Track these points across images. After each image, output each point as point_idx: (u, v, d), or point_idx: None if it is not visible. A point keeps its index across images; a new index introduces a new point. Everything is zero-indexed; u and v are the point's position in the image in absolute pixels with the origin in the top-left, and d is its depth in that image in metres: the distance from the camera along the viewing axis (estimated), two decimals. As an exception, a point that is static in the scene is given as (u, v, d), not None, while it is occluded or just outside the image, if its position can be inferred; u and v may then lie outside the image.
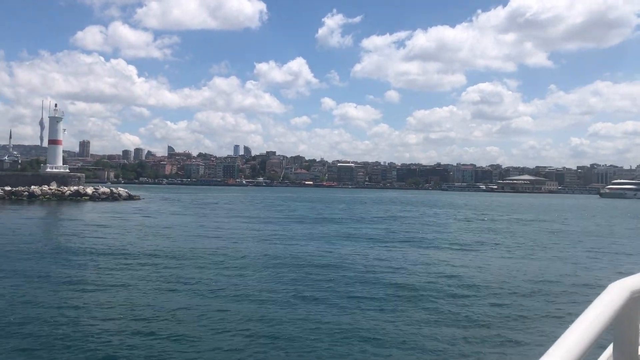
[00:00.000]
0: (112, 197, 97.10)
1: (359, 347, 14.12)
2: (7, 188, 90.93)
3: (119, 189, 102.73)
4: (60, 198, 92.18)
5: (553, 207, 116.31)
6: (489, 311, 18.20)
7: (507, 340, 14.99)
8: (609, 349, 2.52)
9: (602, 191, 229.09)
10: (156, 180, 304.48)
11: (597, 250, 35.86)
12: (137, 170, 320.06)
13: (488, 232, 48.31)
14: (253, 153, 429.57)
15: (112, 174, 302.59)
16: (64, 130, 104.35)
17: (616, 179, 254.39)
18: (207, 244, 34.30)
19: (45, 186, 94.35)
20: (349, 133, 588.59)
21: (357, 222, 57.28)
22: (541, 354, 1.43)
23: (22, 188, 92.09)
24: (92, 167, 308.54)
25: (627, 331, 2.35)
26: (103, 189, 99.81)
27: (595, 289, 21.87)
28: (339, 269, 25.97)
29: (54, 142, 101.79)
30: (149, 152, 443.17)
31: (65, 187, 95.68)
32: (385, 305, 18.83)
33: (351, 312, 17.79)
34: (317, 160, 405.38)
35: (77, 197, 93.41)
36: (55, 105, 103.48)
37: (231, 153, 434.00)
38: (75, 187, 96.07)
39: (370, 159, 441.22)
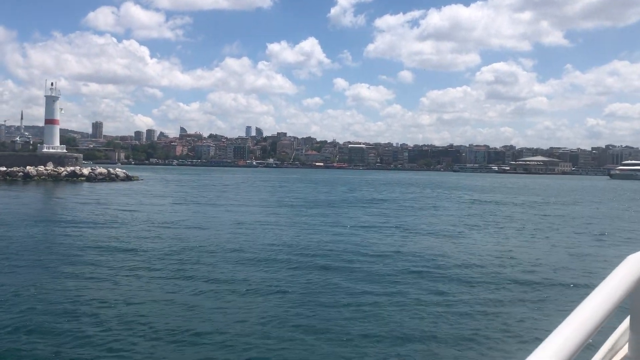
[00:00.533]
0: (109, 178, 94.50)
1: (317, 349, 12.03)
2: (2, 169, 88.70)
3: (117, 169, 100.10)
4: (56, 179, 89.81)
5: (562, 188, 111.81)
6: (467, 301, 15.98)
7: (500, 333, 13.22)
8: (626, 322, 2.44)
9: (612, 172, 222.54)
10: (166, 161, 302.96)
11: (597, 238, 32.11)
12: (147, 151, 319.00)
13: (482, 216, 44.58)
14: (265, 134, 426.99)
15: (122, 155, 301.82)
16: (61, 109, 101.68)
17: (629, 160, 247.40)
18: (166, 232, 31.06)
19: (41, 167, 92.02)
20: (362, 114, 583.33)
21: (349, 206, 53.81)
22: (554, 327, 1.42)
23: (17, 168, 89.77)
24: (103, 148, 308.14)
25: None
26: (100, 169, 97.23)
27: (589, 278, 18.90)
28: (305, 257, 22.70)
29: (50, 121, 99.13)
30: (161, 133, 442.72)
31: (61, 168, 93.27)
32: (345, 298, 16.14)
33: (307, 306, 15.38)
34: (329, 141, 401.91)
35: (73, 178, 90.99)
36: (52, 84, 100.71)
37: (243, 134, 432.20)
38: (72, 168, 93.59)
39: (383, 140, 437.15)
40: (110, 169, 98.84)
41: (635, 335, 2.33)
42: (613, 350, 2.43)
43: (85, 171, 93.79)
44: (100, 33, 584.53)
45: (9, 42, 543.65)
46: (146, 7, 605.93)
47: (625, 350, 2.40)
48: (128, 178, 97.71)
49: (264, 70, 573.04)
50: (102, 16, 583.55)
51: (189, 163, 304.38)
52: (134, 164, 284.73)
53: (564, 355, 1.41)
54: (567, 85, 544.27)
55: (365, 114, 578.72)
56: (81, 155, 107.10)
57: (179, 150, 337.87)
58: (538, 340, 1.39)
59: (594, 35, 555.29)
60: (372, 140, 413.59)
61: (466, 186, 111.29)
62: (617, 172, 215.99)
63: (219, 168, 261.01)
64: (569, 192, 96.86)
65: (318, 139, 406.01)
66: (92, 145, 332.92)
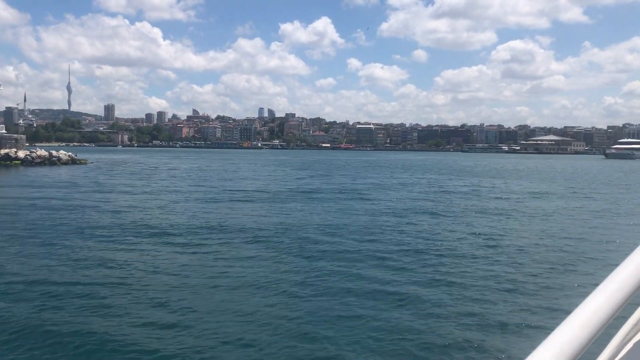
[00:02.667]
0: (50, 162, 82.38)
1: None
2: None
3: (61, 152, 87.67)
4: (-16, 163, 78.19)
5: (552, 170, 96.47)
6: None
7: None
8: None
9: (607, 152, 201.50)
10: (170, 144, 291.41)
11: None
12: (152, 133, 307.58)
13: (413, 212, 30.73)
14: (277, 116, 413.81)
15: (126, 138, 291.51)
16: (0, 86, 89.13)
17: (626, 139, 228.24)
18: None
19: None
20: (375, 94, 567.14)
21: (272, 197, 40.33)
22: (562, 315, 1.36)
23: (-58, 151, 78.16)
24: (107, 130, 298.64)
25: None
26: (40, 152, 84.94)
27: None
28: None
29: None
30: (174, 115, 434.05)
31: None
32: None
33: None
34: (339, 122, 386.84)
35: (7, 161, 79.12)
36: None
37: (256, 116, 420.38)
38: (6, 150, 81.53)
39: (396, 120, 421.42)
40: (53, 152, 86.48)
41: None
42: (636, 328, 2.23)
43: (21, 154, 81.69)
44: (112, 15, 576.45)
45: (22, 26, 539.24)
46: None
47: None
48: (72, 162, 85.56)
49: (276, 51, 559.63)
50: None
51: (193, 145, 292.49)
52: (137, 146, 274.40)
53: (585, 334, 1.34)
54: (585, 63, 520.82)
55: (378, 94, 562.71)
56: (23, 136, 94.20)
57: (185, 131, 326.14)
58: (557, 323, 1.32)
59: (614, 10, 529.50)
60: (386, 121, 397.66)
61: (456, 169, 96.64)
62: (613, 151, 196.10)
63: (222, 150, 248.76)
64: (558, 174, 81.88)
65: (330, 120, 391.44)
66: (102, 128, 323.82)
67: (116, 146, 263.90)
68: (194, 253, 18.83)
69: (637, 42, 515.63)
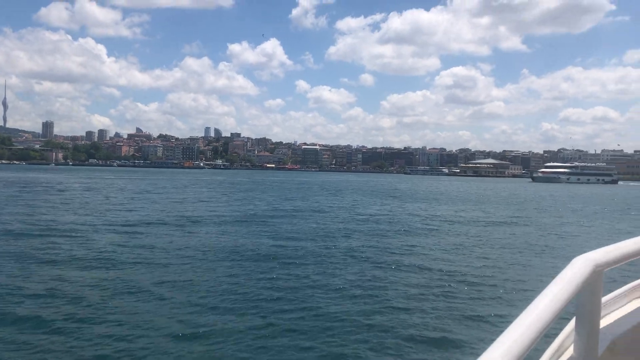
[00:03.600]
0: (-62, 181, 73.06)
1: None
2: None
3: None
4: None
5: (479, 194, 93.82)
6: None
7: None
8: (571, 323, 2.40)
9: (534, 175, 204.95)
10: (107, 162, 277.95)
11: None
12: (89, 151, 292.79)
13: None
14: (224, 135, 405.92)
15: (60, 156, 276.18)
16: None
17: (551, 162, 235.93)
18: None
19: None
20: (324, 116, 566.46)
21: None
22: (495, 331, 1.32)
23: None
24: (40, 148, 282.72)
25: (590, 305, 2.24)
26: None
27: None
28: None
29: None
30: (116, 133, 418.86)
31: None
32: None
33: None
34: (285, 142, 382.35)
35: None
36: None
37: (202, 135, 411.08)
38: None
39: (344, 142, 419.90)
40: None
41: (580, 336, 2.28)
42: (559, 352, 2.36)
43: None
44: (54, 29, 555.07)
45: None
46: (102, 4, 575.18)
47: (570, 351, 2.34)
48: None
49: (224, 70, 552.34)
50: (56, 12, 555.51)
51: (132, 164, 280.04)
52: (72, 164, 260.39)
53: (512, 357, 1.37)
54: (523, 90, 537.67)
55: (327, 116, 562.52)
56: None
57: (125, 150, 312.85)
58: (486, 344, 1.30)
59: (550, 41, 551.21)
60: (333, 142, 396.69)
61: (382, 191, 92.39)
62: (540, 174, 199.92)
63: (160, 170, 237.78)
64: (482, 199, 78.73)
65: (277, 141, 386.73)
66: (37, 146, 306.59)
67: (49, 164, 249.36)
68: None
69: (572, 72, 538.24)
